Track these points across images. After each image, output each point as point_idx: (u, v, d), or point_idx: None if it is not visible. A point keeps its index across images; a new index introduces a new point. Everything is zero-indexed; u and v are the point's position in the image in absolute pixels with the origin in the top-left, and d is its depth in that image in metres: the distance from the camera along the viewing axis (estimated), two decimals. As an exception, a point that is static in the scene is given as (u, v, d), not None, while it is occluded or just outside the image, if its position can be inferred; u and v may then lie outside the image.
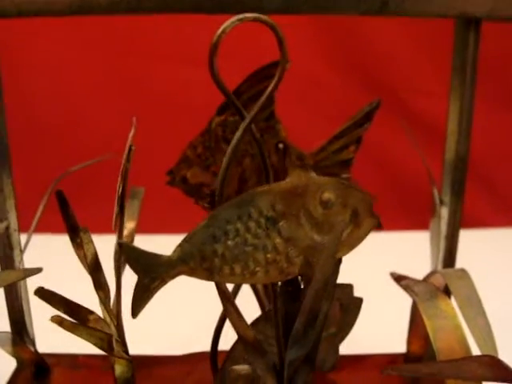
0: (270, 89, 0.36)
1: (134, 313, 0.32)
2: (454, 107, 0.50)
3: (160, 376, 0.53)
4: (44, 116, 1.00)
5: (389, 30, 0.99)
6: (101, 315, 0.44)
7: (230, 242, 0.32)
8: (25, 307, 0.53)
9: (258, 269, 0.33)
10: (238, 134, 0.35)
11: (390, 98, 1.03)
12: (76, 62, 0.96)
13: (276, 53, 0.35)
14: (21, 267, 0.51)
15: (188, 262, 0.32)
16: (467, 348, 0.39)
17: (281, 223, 0.32)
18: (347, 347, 0.50)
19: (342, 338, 0.47)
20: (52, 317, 0.36)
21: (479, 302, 0.41)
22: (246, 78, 0.41)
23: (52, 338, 0.55)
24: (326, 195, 0.33)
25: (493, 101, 1.07)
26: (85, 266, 0.44)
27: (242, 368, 0.35)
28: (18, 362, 0.55)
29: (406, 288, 0.43)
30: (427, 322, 0.40)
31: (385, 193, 1.09)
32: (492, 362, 0.32)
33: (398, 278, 0.45)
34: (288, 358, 0.36)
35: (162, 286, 0.32)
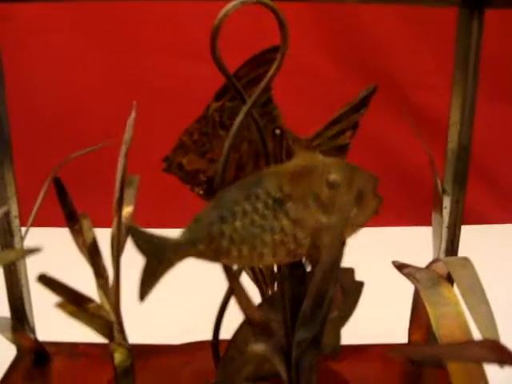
0: (270, 73, 0.36)
1: (142, 296, 0.32)
2: (457, 96, 0.49)
3: (158, 365, 0.53)
4: (44, 105, 1.00)
5: (390, 22, 0.99)
6: (100, 302, 0.44)
7: (237, 223, 0.32)
8: (25, 295, 0.53)
9: (265, 250, 0.32)
10: (240, 117, 0.35)
11: (391, 90, 1.03)
12: (76, 51, 0.96)
13: (275, 39, 0.35)
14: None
15: (196, 243, 0.32)
16: (469, 335, 0.39)
17: (288, 204, 0.32)
18: (349, 337, 0.50)
19: (344, 322, 0.46)
20: (57, 302, 0.36)
21: (482, 290, 0.41)
22: (245, 63, 0.41)
23: (52, 326, 0.56)
24: (333, 176, 0.32)
25: (496, 94, 1.07)
26: (83, 253, 0.43)
27: (259, 347, 0.34)
28: (17, 349, 0.55)
29: (409, 275, 0.43)
30: (429, 309, 0.40)
31: (387, 186, 1.09)
32: (494, 346, 0.32)
33: (400, 266, 0.45)
34: (296, 340, 0.35)
35: (169, 268, 0.32)
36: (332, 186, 0.33)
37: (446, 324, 0.39)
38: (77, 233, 0.42)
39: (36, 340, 0.54)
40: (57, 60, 0.97)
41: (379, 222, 1.07)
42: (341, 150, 0.45)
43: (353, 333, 0.49)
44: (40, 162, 0.83)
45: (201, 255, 0.32)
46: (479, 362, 0.33)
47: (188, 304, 0.75)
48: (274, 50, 0.40)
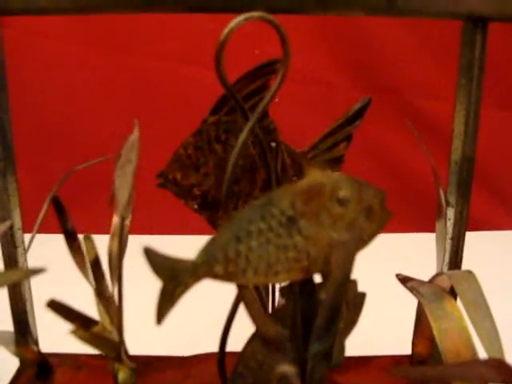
0: (274, 88, 0.35)
1: (159, 319, 0.31)
2: (461, 108, 0.49)
3: (157, 378, 0.52)
4: (47, 113, 1.00)
5: (395, 32, 0.99)
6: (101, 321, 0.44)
7: (253, 243, 0.32)
8: (28, 307, 0.53)
9: (280, 268, 0.33)
10: (244, 134, 0.35)
11: (396, 99, 1.03)
12: (79, 58, 0.97)
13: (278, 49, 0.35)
14: (24, 266, 0.52)
15: (212, 265, 0.32)
16: (473, 350, 0.39)
17: (301, 222, 0.32)
18: (353, 348, 0.50)
19: (347, 334, 0.46)
20: (72, 331, 0.35)
21: (486, 304, 0.41)
22: (242, 76, 0.41)
23: (55, 337, 0.56)
24: (342, 192, 0.33)
25: (499, 101, 1.07)
26: (82, 271, 0.43)
27: (289, 369, 0.34)
28: (20, 361, 0.55)
29: (412, 289, 0.43)
30: (433, 324, 0.40)
31: (391, 195, 1.09)
32: (499, 365, 0.32)
33: (404, 280, 0.45)
34: (311, 353, 0.36)
35: (186, 291, 0.32)
36: (342, 202, 0.33)
37: (449, 339, 0.39)
38: (76, 251, 0.41)
39: (39, 352, 0.54)
40: (60, 68, 0.97)
41: (386, 229, 1.07)
42: (336, 162, 0.45)
43: (357, 344, 0.49)
44: (44, 171, 0.83)
45: (217, 276, 0.32)
46: (485, 382, 0.32)
47: (189, 316, 0.75)
48: (272, 63, 0.40)
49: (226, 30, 0.33)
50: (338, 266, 0.34)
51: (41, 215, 0.48)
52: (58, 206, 0.41)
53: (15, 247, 0.51)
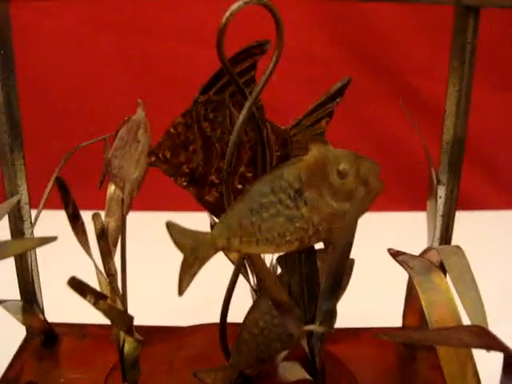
0: (268, 71, 0.38)
1: (181, 290, 0.33)
2: (453, 90, 0.51)
3: (148, 351, 0.52)
4: (52, 91, 1.02)
5: (393, 12, 1.00)
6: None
7: (265, 214, 0.34)
8: (35, 278, 0.55)
9: (288, 238, 0.35)
10: (244, 113, 0.37)
11: (393, 79, 1.05)
12: (84, 37, 0.98)
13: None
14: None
15: (230, 237, 0.34)
16: (459, 320, 0.41)
17: (306, 193, 0.35)
18: (346, 321, 0.52)
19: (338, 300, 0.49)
20: (95, 304, 0.38)
21: (472, 277, 0.43)
22: (231, 57, 0.42)
23: (60, 307, 0.58)
24: (342, 166, 0.35)
25: (493, 81, 1.09)
26: (86, 250, 0.45)
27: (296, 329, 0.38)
28: (27, 330, 0.57)
29: (402, 263, 0.44)
30: (421, 296, 0.42)
31: (387, 174, 1.11)
32: (480, 332, 0.34)
33: (395, 254, 0.47)
34: (322, 310, 0.39)
35: (205, 262, 0.34)
36: (342, 174, 0.36)
37: (436, 310, 0.41)
38: (78, 230, 0.43)
39: (45, 321, 0.56)
40: (61, 45, 0.98)
41: (379, 207, 1.09)
42: (320, 135, 0.47)
43: (349, 316, 0.51)
44: (49, 148, 0.85)
45: (233, 247, 0.34)
46: (465, 346, 0.35)
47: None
48: (260, 44, 0.42)
49: (226, 14, 0.35)
50: (341, 233, 0.36)
51: (46, 191, 0.50)
52: (62, 187, 0.43)
53: (22, 221, 0.53)
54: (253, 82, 0.42)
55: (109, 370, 0.49)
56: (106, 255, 0.42)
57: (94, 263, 0.44)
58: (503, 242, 1.01)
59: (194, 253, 0.33)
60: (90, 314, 0.54)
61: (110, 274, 0.43)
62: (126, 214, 0.39)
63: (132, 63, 1.00)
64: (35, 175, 0.55)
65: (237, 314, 0.50)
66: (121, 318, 0.42)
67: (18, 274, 0.54)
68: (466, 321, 0.41)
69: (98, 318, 0.54)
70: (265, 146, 0.41)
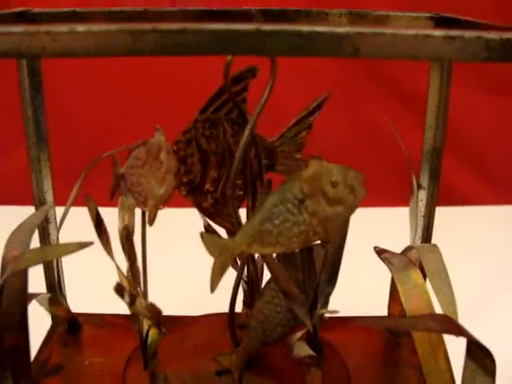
0: (264, 97, 0.44)
1: (213, 288, 0.41)
2: (432, 103, 0.57)
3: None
4: (71, 102, 1.09)
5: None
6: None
7: (275, 221, 0.41)
8: (59, 272, 0.62)
9: (295, 239, 0.42)
10: (246, 134, 0.43)
11: (385, 75, 1.10)
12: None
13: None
14: (55, 240, 0.60)
15: (250, 242, 0.41)
16: (432, 310, 0.47)
17: (307, 202, 0.41)
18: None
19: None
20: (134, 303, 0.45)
21: (446, 272, 0.49)
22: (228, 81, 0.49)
23: (82, 299, 0.64)
24: (335, 177, 0.42)
25: (489, 86, 1.14)
26: (111, 257, 0.50)
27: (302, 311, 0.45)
28: (53, 319, 0.63)
29: (385, 260, 0.51)
30: (400, 289, 0.48)
31: (378, 170, 1.17)
32: (444, 319, 0.41)
33: (380, 252, 0.53)
34: (323, 295, 0.46)
35: (230, 263, 0.41)
36: (334, 184, 0.42)
37: (412, 301, 0.47)
38: (104, 240, 0.49)
39: (69, 311, 0.62)
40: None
41: (370, 203, 1.15)
42: (299, 147, 0.54)
43: (340, 306, 0.57)
44: (70, 158, 0.92)
45: (252, 251, 0.42)
46: (430, 331, 0.41)
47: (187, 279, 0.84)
48: (250, 70, 0.48)
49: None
50: (335, 233, 0.43)
51: (71, 199, 0.55)
52: (90, 204, 0.49)
53: (48, 222, 0.60)
54: (244, 102, 0.49)
55: (128, 355, 0.56)
56: (131, 251, 0.48)
57: (117, 265, 0.50)
58: (495, 236, 1.07)
59: (221, 256, 0.41)
60: (108, 305, 0.61)
61: (134, 268, 0.49)
62: (151, 224, 0.45)
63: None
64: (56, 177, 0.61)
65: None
66: (152, 314, 0.48)
67: (44, 269, 0.61)
68: (439, 311, 0.47)
69: (114, 308, 0.61)
70: (250, 156, 0.49)
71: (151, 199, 0.44)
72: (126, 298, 0.46)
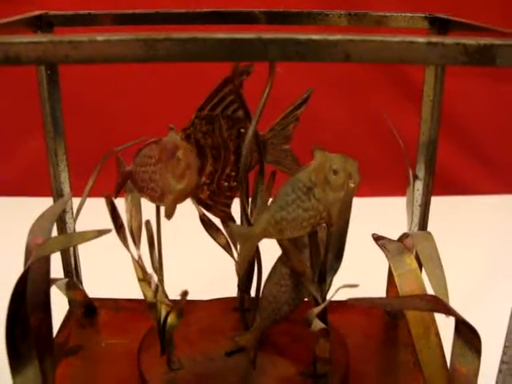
0: (264, 97, 0.48)
1: (241, 270, 0.48)
2: (427, 99, 0.60)
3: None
4: (84, 97, 1.14)
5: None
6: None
7: (289, 209, 0.45)
8: (76, 258, 0.66)
9: (305, 224, 0.47)
10: (250, 132, 0.47)
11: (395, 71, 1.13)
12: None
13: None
14: (72, 229, 0.64)
15: (269, 229, 0.46)
16: (424, 292, 0.50)
17: (314, 189, 0.46)
18: (338, 294, 0.61)
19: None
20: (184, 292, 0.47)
21: (438, 257, 0.52)
22: (221, 83, 0.52)
23: (98, 285, 0.68)
24: (335, 165, 0.47)
25: (489, 73, 1.17)
26: (128, 249, 0.54)
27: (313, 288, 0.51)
28: (70, 304, 0.67)
29: (381, 246, 0.54)
30: (395, 273, 0.51)
31: (382, 159, 1.21)
32: (432, 299, 0.44)
33: (377, 238, 0.56)
34: (330, 271, 0.51)
35: (254, 247, 0.47)
36: (335, 172, 0.47)
37: (406, 283, 0.50)
38: (122, 236, 0.52)
39: (86, 295, 0.66)
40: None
41: (374, 193, 1.18)
42: (287, 139, 0.58)
43: (341, 291, 0.60)
44: (84, 151, 0.95)
45: (271, 236, 0.46)
46: (418, 310, 0.45)
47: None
48: (245, 68, 0.51)
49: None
50: (337, 216, 0.48)
51: (86, 191, 0.59)
52: (111, 205, 0.52)
53: (65, 212, 0.64)
54: (240, 97, 0.53)
55: (142, 336, 0.59)
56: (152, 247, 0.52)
57: (132, 256, 0.53)
58: (494, 224, 1.10)
59: (246, 242, 0.46)
60: (121, 290, 0.65)
61: (154, 260, 0.53)
62: (170, 217, 0.48)
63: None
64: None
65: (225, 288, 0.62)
66: (177, 305, 0.52)
67: (62, 256, 0.65)
68: (430, 291, 0.51)
69: (128, 293, 0.65)
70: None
71: (170, 194, 0.47)
72: (152, 287, 0.49)
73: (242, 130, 0.53)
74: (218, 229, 0.60)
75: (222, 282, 0.64)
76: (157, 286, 0.51)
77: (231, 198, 0.54)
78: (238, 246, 0.55)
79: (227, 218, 0.54)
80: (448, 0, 0.93)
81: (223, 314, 0.63)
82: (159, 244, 0.52)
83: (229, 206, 0.54)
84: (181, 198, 0.47)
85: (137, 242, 0.54)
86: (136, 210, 0.56)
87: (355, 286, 0.46)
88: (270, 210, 0.46)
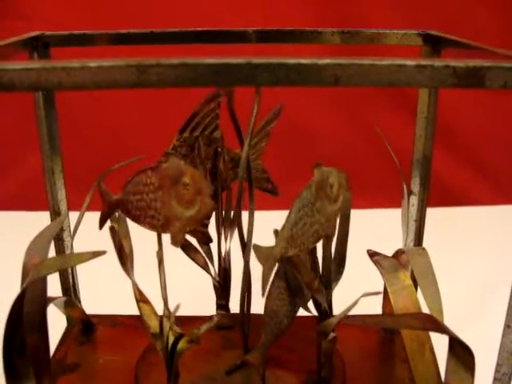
0: (252, 121, 0.49)
1: (264, 289, 0.47)
2: (421, 116, 0.60)
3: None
4: (80, 113, 1.14)
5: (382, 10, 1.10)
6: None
7: (299, 225, 0.47)
8: (74, 276, 0.66)
9: (311, 239, 0.48)
10: (245, 152, 0.48)
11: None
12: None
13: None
14: (69, 246, 0.64)
15: (286, 247, 0.47)
16: (419, 309, 0.51)
17: (317, 204, 0.48)
18: (335, 309, 0.61)
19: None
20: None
21: (433, 273, 0.53)
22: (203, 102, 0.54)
23: (95, 302, 0.68)
24: (331, 179, 0.48)
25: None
26: (129, 275, 0.53)
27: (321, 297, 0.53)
28: (68, 321, 0.67)
29: (376, 262, 0.54)
30: (389, 289, 0.52)
31: (381, 171, 1.21)
32: (425, 318, 0.44)
33: (372, 254, 0.57)
34: (334, 279, 0.54)
35: (274, 265, 0.47)
36: (331, 185, 0.49)
37: (401, 300, 0.51)
38: (125, 261, 0.52)
39: (84, 312, 0.66)
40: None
41: (372, 205, 1.19)
42: (261, 153, 0.60)
43: (338, 306, 0.61)
44: (81, 169, 0.96)
45: (288, 254, 0.47)
46: (411, 329, 0.45)
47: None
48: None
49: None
50: (335, 227, 0.50)
51: (83, 209, 0.59)
52: (113, 231, 0.52)
53: (62, 230, 0.64)
54: (217, 117, 0.55)
55: (140, 353, 0.59)
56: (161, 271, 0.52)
57: (133, 282, 0.53)
58: (492, 234, 1.11)
59: (267, 262, 0.46)
60: (119, 307, 0.65)
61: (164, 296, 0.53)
62: (178, 245, 0.48)
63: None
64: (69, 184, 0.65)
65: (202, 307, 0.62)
66: (192, 334, 0.52)
67: (60, 274, 0.65)
68: (426, 310, 0.51)
69: (124, 310, 0.65)
70: (219, 165, 0.56)
71: (177, 221, 0.46)
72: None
73: (219, 149, 0.55)
74: (195, 249, 0.60)
75: (198, 300, 0.65)
76: (161, 317, 0.52)
77: (208, 218, 0.54)
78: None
79: (205, 238, 0.55)
80: (444, 14, 0.94)
81: (218, 331, 0.64)
82: (163, 272, 0.51)
83: (206, 225, 0.55)
84: (191, 225, 0.47)
85: (129, 269, 0.54)
86: (127, 241, 0.55)
87: (378, 293, 0.47)
88: (285, 227, 0.47)
